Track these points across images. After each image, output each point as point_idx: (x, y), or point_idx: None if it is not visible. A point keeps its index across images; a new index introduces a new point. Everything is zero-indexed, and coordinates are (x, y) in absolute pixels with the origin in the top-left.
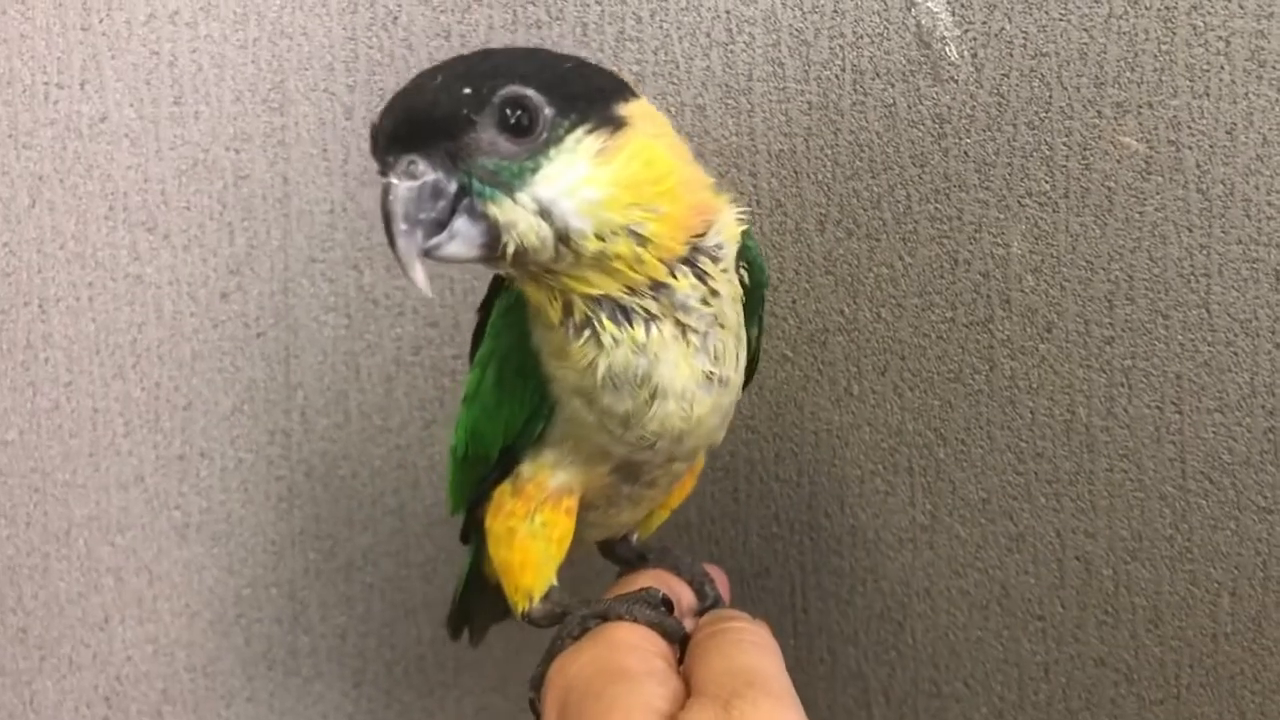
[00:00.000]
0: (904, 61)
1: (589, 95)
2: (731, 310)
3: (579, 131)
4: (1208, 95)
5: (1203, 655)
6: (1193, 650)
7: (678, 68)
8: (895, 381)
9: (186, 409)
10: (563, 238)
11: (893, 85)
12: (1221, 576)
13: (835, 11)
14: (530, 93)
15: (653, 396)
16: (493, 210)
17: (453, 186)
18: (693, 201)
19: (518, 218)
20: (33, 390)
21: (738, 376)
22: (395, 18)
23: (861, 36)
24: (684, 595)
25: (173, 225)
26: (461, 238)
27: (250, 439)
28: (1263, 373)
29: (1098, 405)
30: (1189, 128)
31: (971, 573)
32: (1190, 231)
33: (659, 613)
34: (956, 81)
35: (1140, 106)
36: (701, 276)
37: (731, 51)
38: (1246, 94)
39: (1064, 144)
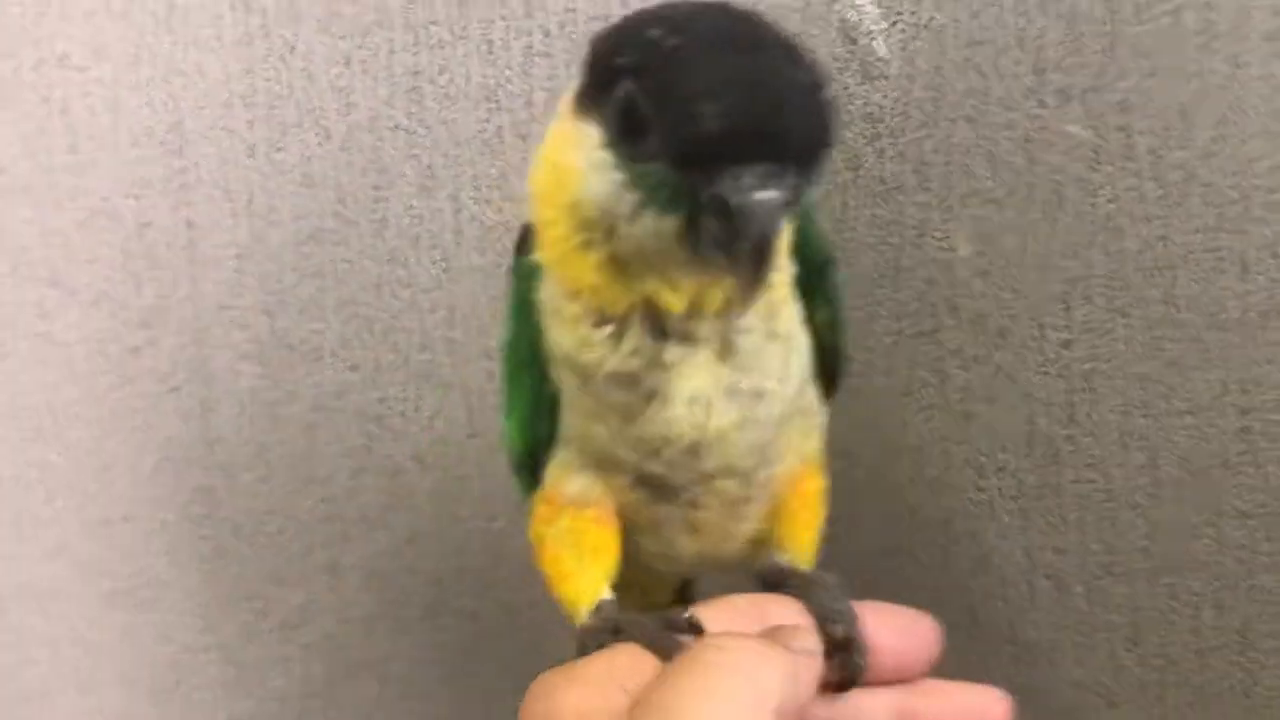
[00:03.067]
0: (830, 60)
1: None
2: (785, 314)
3: None
4: (1156, 75)
5: (1188, 673)
6: (1177, 668)
7: None
8: (842, 399)
9: (106, 471)
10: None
11: None
12: (1202, 588)
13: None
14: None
15: (650, 397)
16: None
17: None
18: None
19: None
20: None
21: (783, 386)
22: (293, 48)
23: None
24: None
25: (78, 279)
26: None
27: (173, 499)
28: (1234, 369)
29: (1059, 413)
30: (1139, 111)
31: (936, 597)
32: (1148, 222)
33: (662, 633)
34: (887, 78)
35: (1085, 92)
36: None
37: None
38: (1199, 71)
39: (1006, 137)
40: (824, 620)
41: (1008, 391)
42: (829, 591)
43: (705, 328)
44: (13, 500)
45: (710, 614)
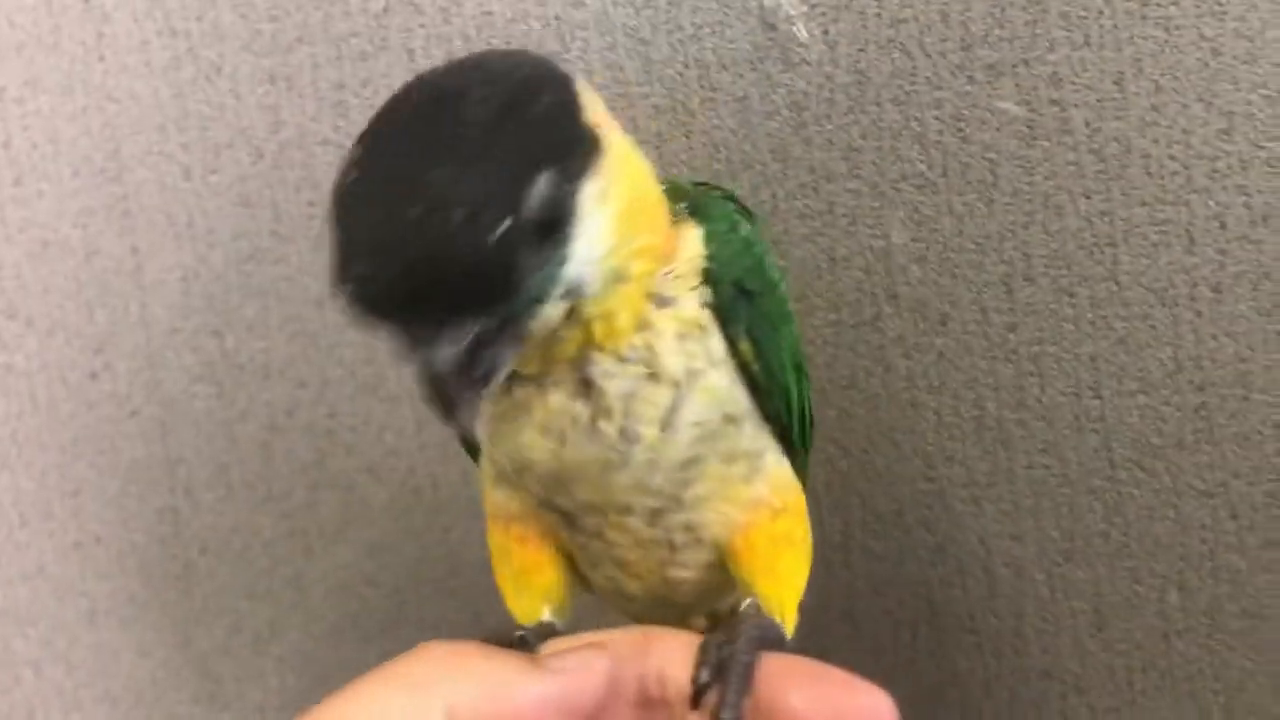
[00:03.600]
0: (750, 48)
1: (567, 126)
2: (673, 353)
3: (587, 186)
4: (1088, 44)
5: (1155, 657)
6: (1143, 652)
7: None
8: None
9: (75, 495)
10: (572, 310)
11: (741, 76)
12: (1166, 570)
13: (670, 3)
14: (552, 174)
15: (507, 420)
16: (534, 324)
17: (495, 323)
18: (664, 227)
19: (548, 317)
20: None
21: (669, 432)
22: (219, 69)
23: (701, 27)
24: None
25: (33, 310)
26: (504, 365)
27: (140, 520)
28: (1186, 345)
29: (1007, 398)
30: (1072, 83)
31: (893, 590)
32: (1088, 198)
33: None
34: (810, 63)
35: (1015, 66)
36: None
37: (566, 60)
38: (1131, 38)
39: (935, 118)
40: (698, 663)
41: (953, 378)
42: (737, 638)
43: (559, 370)
44: None
45: (576, 643)
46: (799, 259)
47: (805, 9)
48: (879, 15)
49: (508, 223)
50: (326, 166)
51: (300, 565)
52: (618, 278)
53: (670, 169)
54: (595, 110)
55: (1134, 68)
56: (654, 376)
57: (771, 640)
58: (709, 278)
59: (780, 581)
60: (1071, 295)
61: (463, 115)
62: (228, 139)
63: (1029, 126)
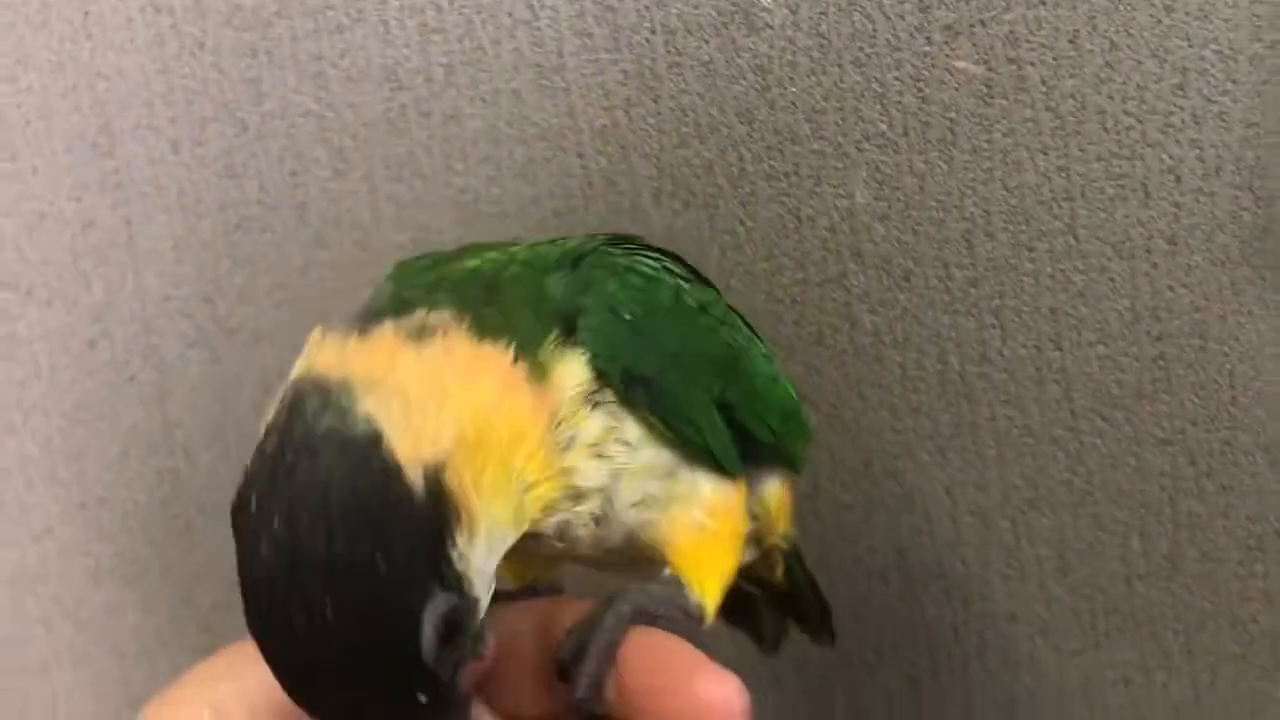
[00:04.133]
0: (714, 14)
1: (404, 523)
2: (593, 474)
3: (458, 549)
4: (1043, 3)
5: (1118, 600)
6: (1106, 596)
7: (486, 54)
8: None
9: (79, 458)
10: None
11: (707, 41)
12: (1127, 517)
13: None
14: (433, 612)
15: None
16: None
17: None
18: (521, 410)
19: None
20: None
21: (606, 526)
22: (201, 44)
23: None
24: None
25: (34, 281)
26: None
27: (142, 482)
28: (1143, 296)
29: (970, 351)
30: (1028, 42)
31: (863, 539)
32: (1045, 154)
33: None
34: (773, 27)
35: (972, 26)
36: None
37: (537, 29)
38: None
39: (895, 79)
40: (565, 639)
41: (917, 333)
42: (605, 615)
43: None
44: None
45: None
46: (766, 219)
47: None
48: None
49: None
50: (308, 137)
51: None
52: (515, 513)
53: (639, 134)
54: (408, 433)
55: (1089, 25)
56: (580, 498)
57: (663, 614)
58: (601, 377)
59: (702, 565)
60: (1031, 250)
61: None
62: (213, 112)
63: (987, 85)
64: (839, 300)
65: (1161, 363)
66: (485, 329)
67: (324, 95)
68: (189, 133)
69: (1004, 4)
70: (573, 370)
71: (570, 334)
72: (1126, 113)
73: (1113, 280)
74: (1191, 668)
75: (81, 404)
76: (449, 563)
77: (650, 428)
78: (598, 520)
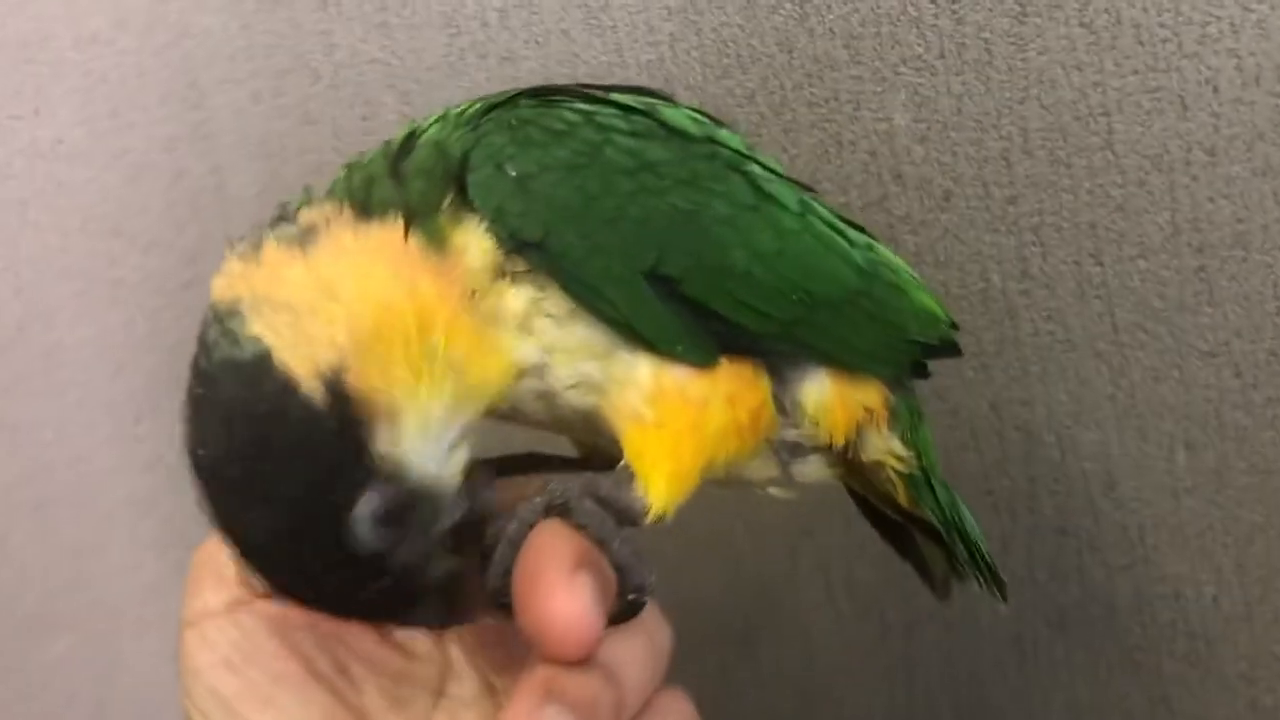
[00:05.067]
0: None
1: (316, 437)
2: (530, 351)
3: (378, 446)
4: None
5: (1165, 514)
6: (1153, 510)
7: None
8: None
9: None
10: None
11: None
12: (1173, 429)
13: None
14: (360, 512)
15: None
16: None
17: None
18: (427, 297)
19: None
20: (58, 393)
21: (552, 400)
22: (278, 0)
23: None
24: None
25: (134, 229)
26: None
27: None
28: (1183, 209)
29: (1011, 269)
30: None
31: None
32: (1080, 70)
33: None
34: None
35: None
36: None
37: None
38: None
39: (930, 2)
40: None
41: (958, 252)
42: (516, 512)
43: None
44: (111, 423)
45: None
46: (808, 146)
47: None
48: None
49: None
50: (376, 83)
51: None
52: (448, 397)
53: (683, 67)
54: (307, 345)
55: None
56: (520, 374)
57: (588, 510)
58: (503, 244)
59: (646, 458)
60: (1069, 166)
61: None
62: (289, 64)
63: (1020, 4)
64: (881, 223)
65: (1203, 275)
66: (373, 207)
67: (389, 43)
68: (269, 84)
69: None
70: (472, 237)
71: (466, 199)
72: (1162, 25)
73: (1152, 194)
74: (1242, 581)
75: (180, 341)
76: (375, 458)
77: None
78: (542, 398)
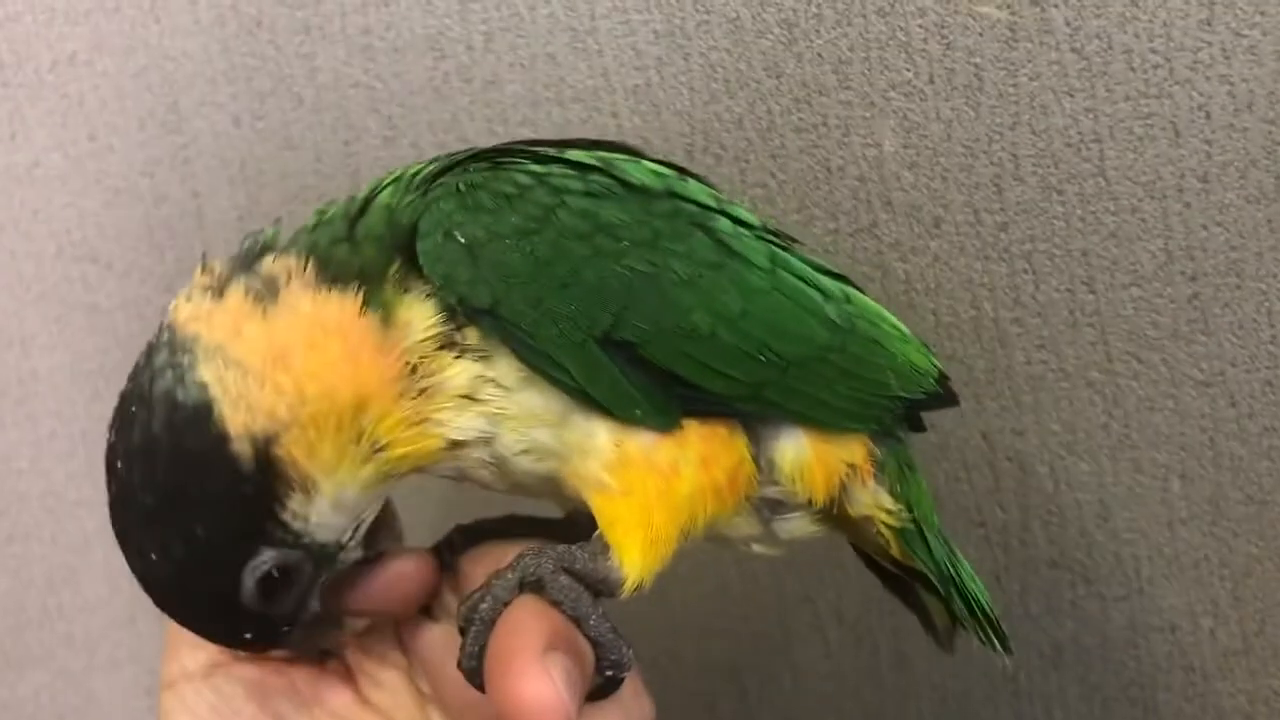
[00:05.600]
0: None
1: (232, 496)
2: (466, 428)
3: (289, 512)
4: None
5: (1160, 545)
6: (1148, 541)
7: (523, 20)
8: None
9: None
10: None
11: None
12: (1167, 460)
13: None
14: (257, 567)
15: None
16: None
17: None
18: (368, 365)
19: (353, 554)
20: (31, 422)
21: (505, 465)
22: (259, 22)
23: None
24: None
25: (112, 254)
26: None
27: None
28: (1176, 236)
29: (1003, 296)
30: None
31: None
32: (1072, 96)
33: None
34: None
35: None
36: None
37: None
38: None
39: (919, 26)
40: (460, 606)
41: (949, 279)
42: (490, 588)
43: None
44: (85, 452)
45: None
46: (796, 171)
47: None
48: None
49: (255, 604)
50: (359, 107)
51: None
52: (364, 477)
53: (670, 92)
54: (246, 409)
55: None
56: (460, 446)
57: (562, 585)
58: (457, 316)
59: (617, 528)
60: (1060, 192)
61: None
62: (270, 87)
63: (1011, 30)
64: (871, 249)
65: (1197, 303)
66: (333, 272)
67: (372, 66)
68: (249, 107)
69: None
70: (417, 310)
71: (414, 266)
72: (1153, 50)
73: (1144, 221)
74: (1239, 614)
75: None
76: (281, 524)
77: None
78: (492, 465)
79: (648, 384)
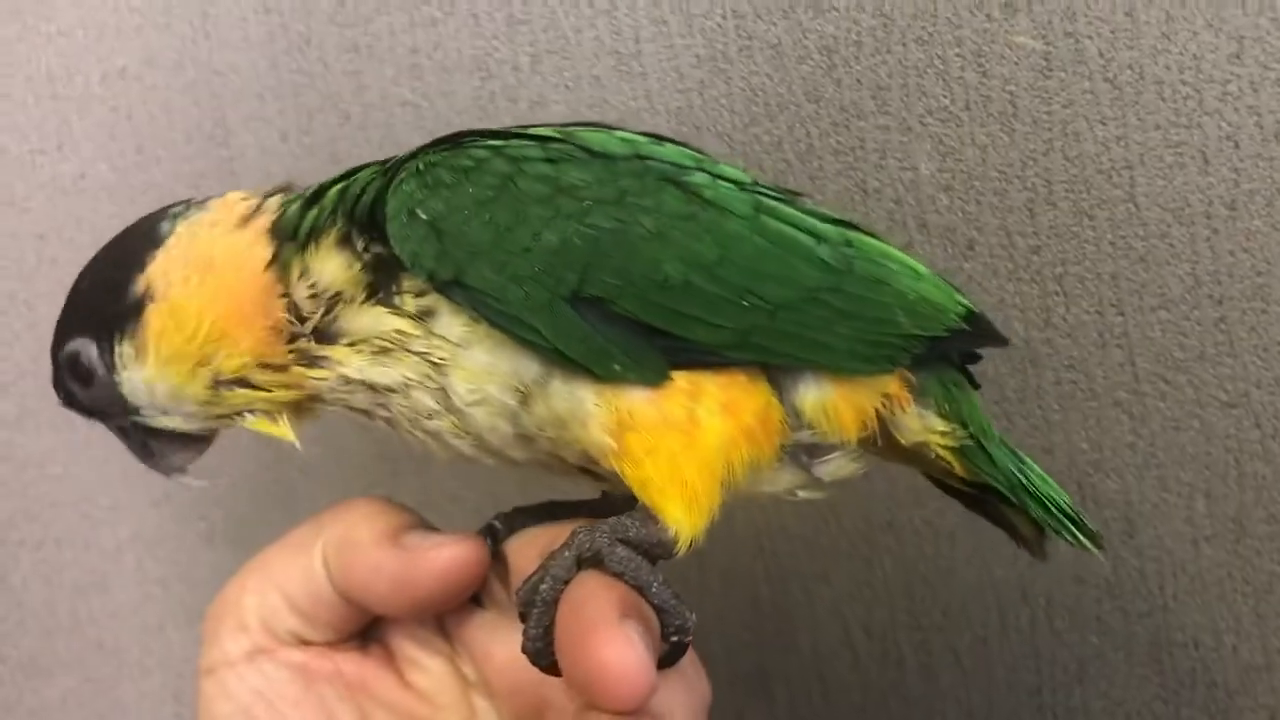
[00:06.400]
0: None
1: (108, 302)
2: (384, 371)
3: (121, 347)
4: None
5: (1184, 562)
6: (1173, 558)
7: (569, 42)
8: None
9: None
10: (190, 416)
11: (775, 24)
12: (1192, 479)
13: None
14: (73, 345)
15: None
16: (167, 422)
17: (126, 423)
18: (258, 307)
19: (159, 421)
20: (68, 428)
21: (461, 415)
22: (308, 40)
23: None
24: None
25: None
26: (169, 446)
27: (248, 449)
28: (1204, 261)
29: (1034, 317)
30: (1084, 15)
31: (931, 501)
32: (1104, 124)
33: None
34: (838, 9)
35: (1030, 2)
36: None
37: (616, 18)
38: None
39: (956, 55)
40: (520, 589)
41: (982, 300)
42: (549, 566)
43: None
44: (120, 459)
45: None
46: (834, 193)
47: None
48: None
49: (64, 372)
50: (405, 125)
51: (392, 484)
52: (203, 396)
53: (712, 114)
54: (156, 270)
55: None
56: (374, 391)
57: (621, 556)
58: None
59: (651, 488)
60: (1091, 217)
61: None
62: (318, 103)
63: (1046, 59)
64: None
65: (1223, 326)
66: (282, 224)
67: (419, 85)
68: (296, 123)
69: None
70: (330, 261)
71: (370, 238)
72: (1184, 82)
73: (1173, 246)
74: (1261, 631)
75: None
76: (111, 348)
77: (476, 325)
78: (452, 421)
79: (625, 338)
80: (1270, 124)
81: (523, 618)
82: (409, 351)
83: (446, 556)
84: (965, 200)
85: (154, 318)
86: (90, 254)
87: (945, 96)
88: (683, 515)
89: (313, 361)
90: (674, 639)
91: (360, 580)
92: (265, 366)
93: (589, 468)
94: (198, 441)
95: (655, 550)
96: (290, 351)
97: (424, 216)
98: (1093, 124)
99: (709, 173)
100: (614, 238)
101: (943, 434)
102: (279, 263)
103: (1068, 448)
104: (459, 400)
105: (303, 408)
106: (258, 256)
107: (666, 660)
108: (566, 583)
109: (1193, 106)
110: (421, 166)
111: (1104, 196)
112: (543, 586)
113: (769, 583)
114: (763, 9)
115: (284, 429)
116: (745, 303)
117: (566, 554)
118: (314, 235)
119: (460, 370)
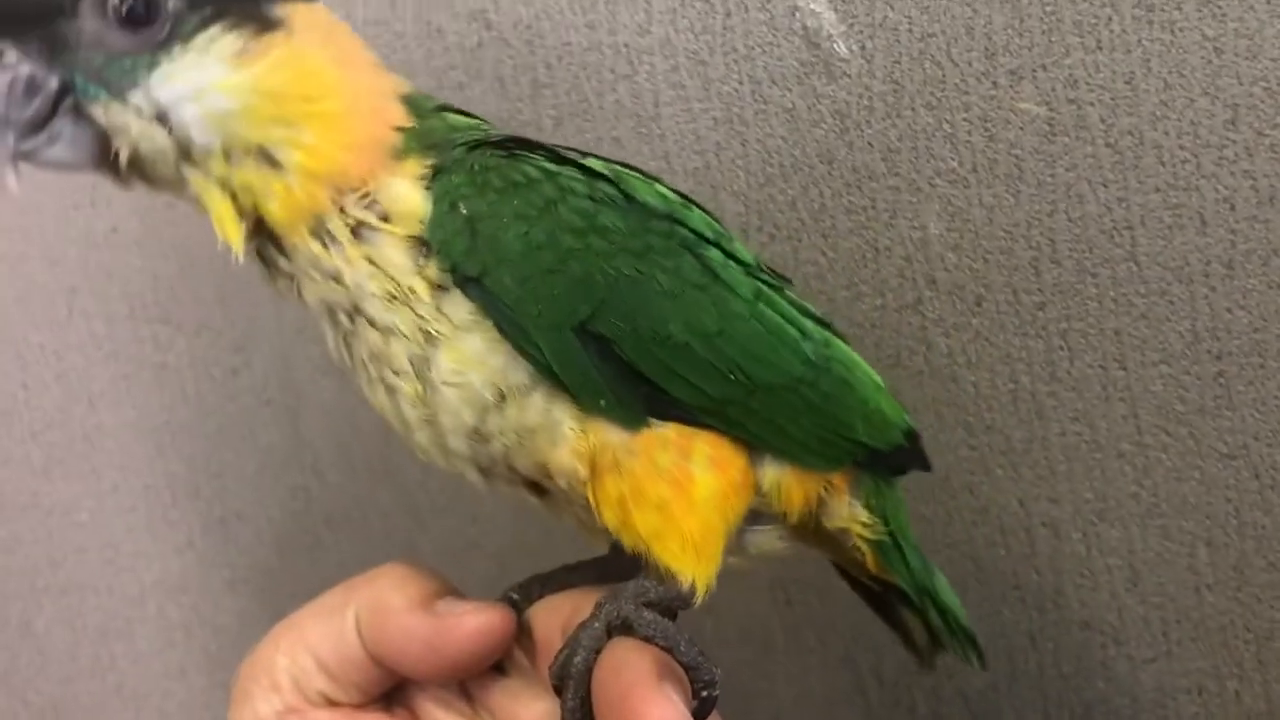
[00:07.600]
0: (797, 65)
1: None
2: (384, 307)
3: (215, 28)
4: (1100, 48)
5: (1188, 609)
6: (1176, 605)
7: (590, 105)
8: None
9: (219, 476)
10: (184, 151)
11: (790, 89)
12: (1194, 528)
13: (725, 28)
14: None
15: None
16: (98, 112)
17: (53, 83)
18: (356, 141)
19: (128, 122)
20: (95, 475)
21: (432, 393)
22: None
23: (753, 48)
24: None
25: (184, 316)
26: (65, 142)
27: (275, 498)
28: (1203, 318)
29: (1040, 371)
30: (1087, 83)
31: (941, 549)
32: (1105, 187)
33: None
34: (850, 76)
35: (1035, 70)
36: (329, 246)
37: (635, 83)
38: (1140, 41)
39: (964, 119)
40: (554, 661)
41: (989, 354)
42: (580, 637)
43: (280, 260)
44: (146, 506)
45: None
46: (846, 251)
47: (844, 28)
48: (910, 30)
49: None
50: None
51: (414, 534)
52: (246, 148)
53: (728, 175)
54: (303, 13)
55: (1143, 68)
56: (374, 324)
57: (646, 620)
58: (437, 251)
59: (656, 544)
60: (1094, 275)
61: None
62: None
63: (1049, 124)
64: (915, 325)
65: (1223, 380)
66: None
67: None
68: None
69: (1063, 50)
70: (408, 195)
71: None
72: (1182, 147)
73: (1173, 303)
74: (1264, 676)
75: (223, 426)
76: (209, 13)
77: (482, 317)
78: (408, 377)
79: (615, 379)
80: (1265, 187)
81: (557, 691)
82: (412, 310)
83: (477, 623)
84: (973, 258)
85: (277, 47)
86: (120, 308)
87: (953, 159)
88: (693, 566)
89: (328, 236)
90: (703, 694)
91: (392, 644)
92: (298, 190)
93: (538, 481)
94: (82, 157)
95: (675, 604)
96: (331, 204)
97: (464, 211)
98: (1095, 186)
99: (724, 250)
100: (632, 285)
101: (865, 525)
102: (399, 135)
103: (1073, 497)
104: (437, 375)
105: (266, 246)
106: (393, 110)
107: (697, 716)
108: (598, 652)
109: (1191, 170)
110: (476, 167)
111: (1106, 255)
112: (575, 659)
113: (784, 632)
114: (778, 75)
115: (235, 231)
116: (731, 376)
117: (596, 625)
118: (418, 151)
119: (452, 350)
